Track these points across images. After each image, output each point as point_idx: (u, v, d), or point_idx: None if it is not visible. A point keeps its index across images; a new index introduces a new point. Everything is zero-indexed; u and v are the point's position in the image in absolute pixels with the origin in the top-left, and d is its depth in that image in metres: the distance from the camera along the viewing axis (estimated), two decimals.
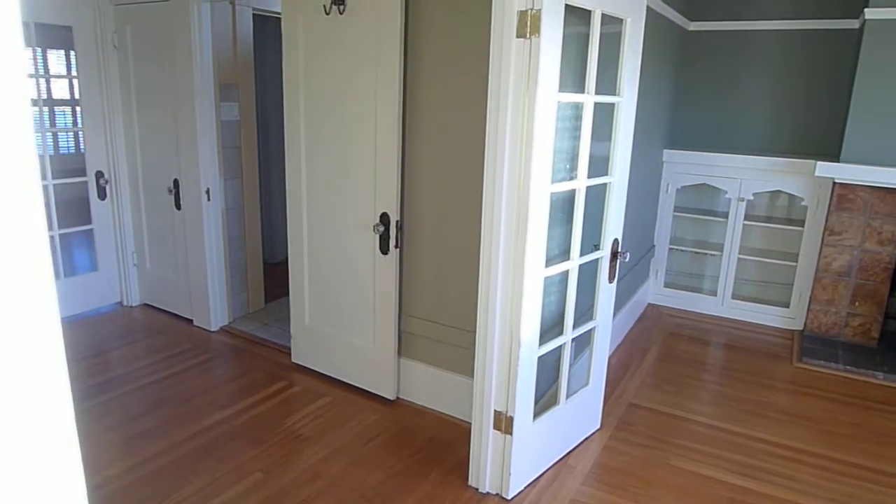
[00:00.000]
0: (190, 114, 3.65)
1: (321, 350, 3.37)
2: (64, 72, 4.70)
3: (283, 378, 3.39)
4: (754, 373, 3.66)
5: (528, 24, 1.90)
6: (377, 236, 2.91)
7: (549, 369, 2.60)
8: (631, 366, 3.68)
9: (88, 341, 3.82)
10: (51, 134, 4.17)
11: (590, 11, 2.15)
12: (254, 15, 3.89)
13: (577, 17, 2.16)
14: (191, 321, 4.09)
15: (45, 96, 4.38)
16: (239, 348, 3.74)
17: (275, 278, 4.79)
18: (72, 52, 3.94)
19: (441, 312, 2.95)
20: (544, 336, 2.37)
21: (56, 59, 5.43)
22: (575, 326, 2.50)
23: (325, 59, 2.93)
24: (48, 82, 4.35)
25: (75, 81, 3.93)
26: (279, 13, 3.17)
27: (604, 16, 2.18)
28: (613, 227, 2.56)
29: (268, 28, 4.74)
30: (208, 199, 3.80)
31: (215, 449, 2.74)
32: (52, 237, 3.98)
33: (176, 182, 3.87)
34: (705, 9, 4.48)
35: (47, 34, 3.80)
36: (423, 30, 2.69)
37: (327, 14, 2.82)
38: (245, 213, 4.13)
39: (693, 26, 4.54)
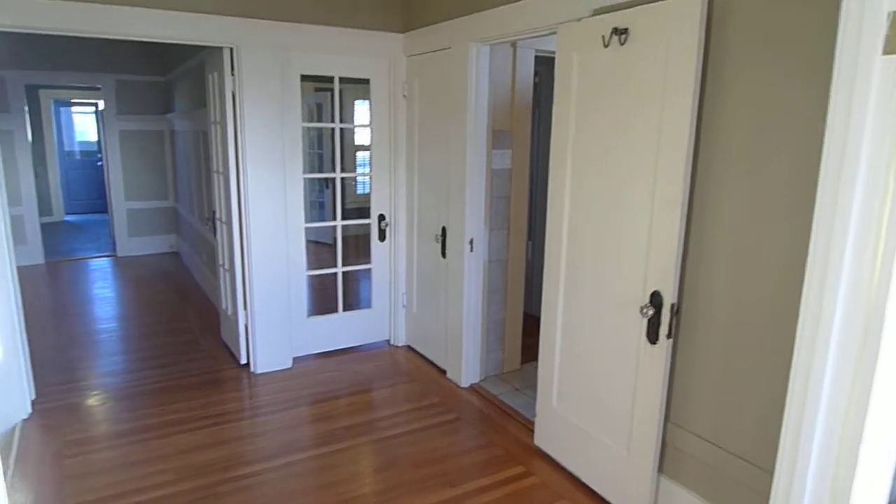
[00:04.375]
0: (461, 161, 3.52)
1: (566, 441, 2.85)
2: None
3: (521, 462, 2.95)
4: None
5: None
6: (645, 320, 2.30)
7: None
8: None
9: (352, 378, 3.92)
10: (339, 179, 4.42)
11: None
12: (536, 57, 3.64)
13: None
14: (444, 372, 3.95)
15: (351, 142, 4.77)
16: (484, 414, 3.44)
17: (537, 335, 4.42)
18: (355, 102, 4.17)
19: (724, 433, 2.19)
20: None
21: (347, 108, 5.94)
22: None
23: (598, 100, 2.47)
24: (340, 131, 4.71)
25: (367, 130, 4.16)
26: None
27: None
28: None
29: (550, 70, 4.47)
30: (471, 250, 3.61)
31: None
32: (336, 273, 4.24)
33: (444, 230, 3.79)
34: None
35: (347, 86, 4.07)
36: (726, 58, 2.05)
37: (606, 46, 2.36)
38: (509, 266, 3.86)
39: None
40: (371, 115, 4.12)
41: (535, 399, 3.11)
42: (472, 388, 3.75)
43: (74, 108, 10.70)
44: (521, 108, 3.66)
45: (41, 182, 9.56)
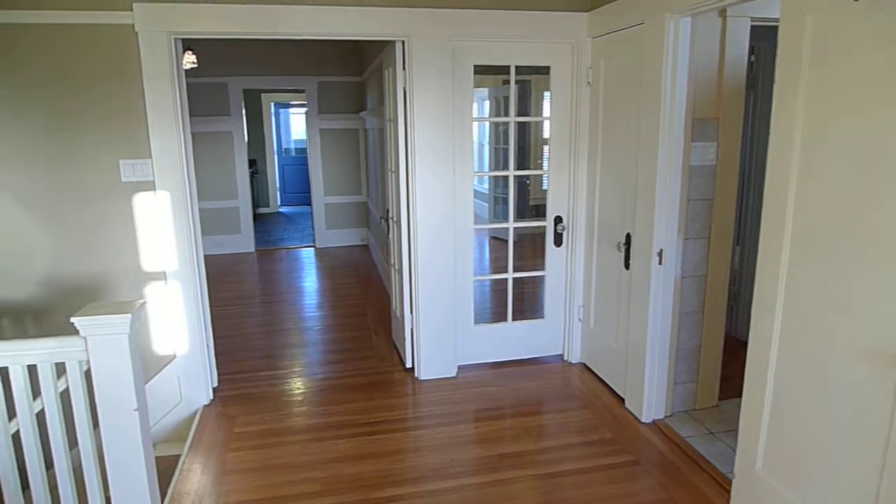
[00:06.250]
0: (651, 157, 2.97)
1: None
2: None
3: None
4: None
5: None
6: None
7: None
8: None
9: (518, 396, 3.58)
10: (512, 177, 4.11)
11: None
12: (752, 28, 2.94)
13: None
14: (622, 401, 3.42)
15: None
16: (666, 461, 2.87)
17: (741, 363, 3.67)
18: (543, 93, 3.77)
19: None
20: None
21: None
22: None
23: (839, 76, 1.80)
24: (525, 125, 4.34)
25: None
26: None
27: None
28: None
29: (771, 43, 3.65)
30: (659, 263, 3.05)
31: None
32: (507, 279, 3.92)
33: (628, 237, 3.26)
34: None
35: (534, 77, 3.71)
36: None
37: (856, 0, 1.70)
38: (707, 283, 3.21)
39: None
40: (551, 106, 3.71)
41: (734, 449, 2.49)
42: (655, 425, 3.18)
43: (291, 110, 11.77)
44: (731, 92, 2.98)
45: (261, 177, 10.65)
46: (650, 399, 3.21)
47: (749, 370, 2.34)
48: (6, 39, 2.93)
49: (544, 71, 3.67)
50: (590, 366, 3.89)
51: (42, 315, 3.23)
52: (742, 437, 2.39)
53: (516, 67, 3.60)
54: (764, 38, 3.28)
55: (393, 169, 3.88)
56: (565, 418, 3.31)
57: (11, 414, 2.29)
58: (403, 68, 3.45)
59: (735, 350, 3.48)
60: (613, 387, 3.56)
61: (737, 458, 2.42)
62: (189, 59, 5.42)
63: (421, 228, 3.59)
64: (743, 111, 3.08)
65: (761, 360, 2.25)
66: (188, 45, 5.52)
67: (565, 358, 4.05)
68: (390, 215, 4.13)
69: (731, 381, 3.34)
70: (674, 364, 3.23)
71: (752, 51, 3.09)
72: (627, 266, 3.29)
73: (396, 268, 4.04)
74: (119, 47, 3.03)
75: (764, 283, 2.21)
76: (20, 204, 3.13)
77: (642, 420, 3.21)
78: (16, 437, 2.29)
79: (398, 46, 3.44)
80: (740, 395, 2.40)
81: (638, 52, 3.02)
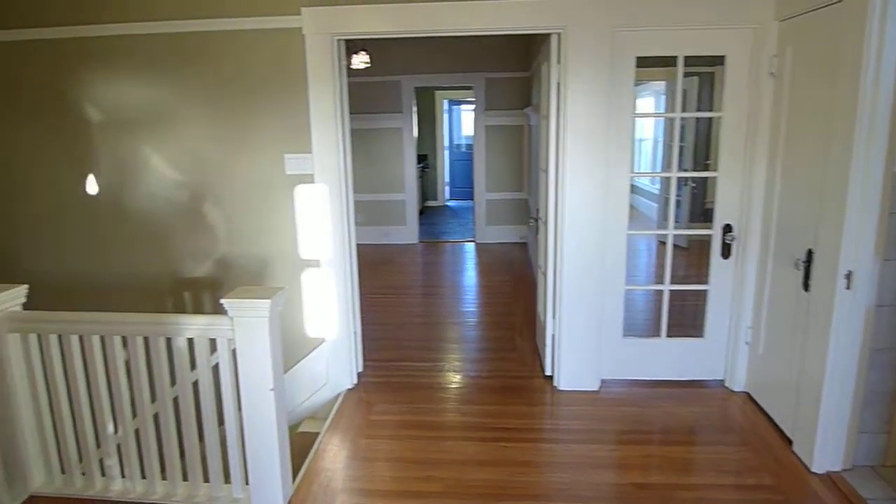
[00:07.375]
0: (843, 160, 2.50)
1: None
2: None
3: None
4: None
5: None
6: None
7: None
8: None
9: (665, 421, 3.26)
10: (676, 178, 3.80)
11: None
12: None
13: None
14: (790, 443, 2.95)
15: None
16: None
17: None
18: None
19: None
20: None
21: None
22: None
23: None
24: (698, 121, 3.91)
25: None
26: None
27: None
28: None
29: None
30: (847, 287, 2.56)
31: None
32: (661, 290, 3.58)
33: (809, 253, 2.79)
34: None
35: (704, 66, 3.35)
36: None
37: None
38: None
39: None
40: (723, 100, 3.30)
41: None
42: (828, 478, 2.69)
43: (463, 107, 12.02)
44: None
45: (431, 171, 11.01)
46: (825, 446, 2.72)
47: None
48: (196, 46, 3.29)
49: (719, 61, 3.27)
50: (754, 397, 3.42)
51: (216, 291, 3.61)
52: None
53: (687, 58, 3.26)
54: None
55: (544, 167, 3.73)
56: (718, 454, 2.94)
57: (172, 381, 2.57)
58: (558, 62, 3.29)
59: None
60: (781, 425, 3.09)
61: None
62: (362, 59, 5.72)
63: (568, 230, 3.41)
64: None
65: None
66: (362, 45, 5.82)
67: (727, 384, 3.60)
68: (539, 215, 3.99)
69: None
70: (859, 408, 2.70)
71: None
72: (807, 287, 2.82)
73: (542, 270, 3.89)
74: (287, 49, 3.25)
75: None
76: (207, 192, 3.51)
77: (812, 469, 2.74)
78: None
79: (553, 39, 3.28)
80: None
81: (832, 34, 2.55)
